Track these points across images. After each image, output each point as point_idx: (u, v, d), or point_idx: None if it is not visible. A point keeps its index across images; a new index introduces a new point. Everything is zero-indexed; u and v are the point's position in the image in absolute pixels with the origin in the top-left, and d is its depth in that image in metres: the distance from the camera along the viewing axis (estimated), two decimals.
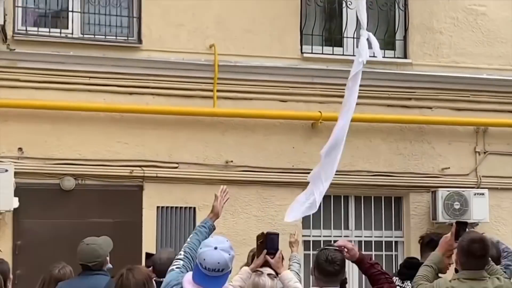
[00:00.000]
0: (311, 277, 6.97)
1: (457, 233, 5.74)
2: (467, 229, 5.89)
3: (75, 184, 9.56)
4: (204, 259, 4.69)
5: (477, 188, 10.54)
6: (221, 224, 8.88)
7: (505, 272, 7.26)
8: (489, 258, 5.68)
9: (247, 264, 6.66)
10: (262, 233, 6.28)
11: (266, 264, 5.96)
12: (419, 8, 10.75)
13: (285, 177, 10.09)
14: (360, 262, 5.55)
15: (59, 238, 9.17)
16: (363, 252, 5.79)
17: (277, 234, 6.54)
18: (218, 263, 4.68)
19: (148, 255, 7.36)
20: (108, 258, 6.46)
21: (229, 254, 4.74)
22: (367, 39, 8.66)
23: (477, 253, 5.44)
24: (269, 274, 5.86)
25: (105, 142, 9.69)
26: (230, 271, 4.84)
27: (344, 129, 8.33)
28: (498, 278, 5.53)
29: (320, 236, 10.23)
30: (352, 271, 9.30)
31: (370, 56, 8.54)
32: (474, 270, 5.46)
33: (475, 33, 10.94)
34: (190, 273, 4.82)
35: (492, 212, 10.51)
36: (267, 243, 6.42)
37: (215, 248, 4.71)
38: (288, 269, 6.52)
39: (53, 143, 9.56)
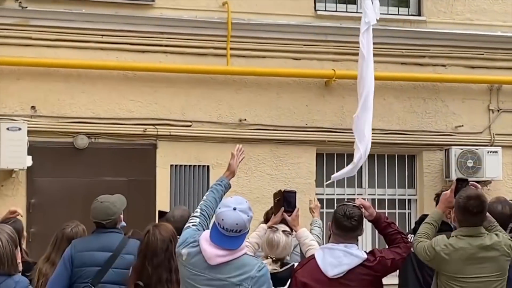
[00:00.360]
0: (325, 238, 6.95)
1: (456, 190, 5.73)
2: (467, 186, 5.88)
3: (89, 142, 9.55)
4: (223, 219, 4.67)
5: (491, 146, 10.57)
6: (235, 183, 8.74)
7: None
8: (491, 217, 5.64)
9: (265, 222, 6.68)
10: (280, 190, 6.30)
11: (283, 221, 5.97)
12: None
13: (298, 135, 10.11)
14: (376, 221, 5.54)
15: (72, 197, 9.18)
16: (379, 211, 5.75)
17: (295, 192, 6.58)
18: (237, 224, 4.67)
19: (161, 213, 7.30)
20: (122, 216, 6.40)
21: (248, 215, 4.73)
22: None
23: (473, 210, 5.42)
24: (284, 231, 5.86)
25: (118, 100, 9.69)
26: (248, 231, 4.82)
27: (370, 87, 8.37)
28: (497, 235, 5.50)
29: (333, 194, 10.23)
30: (365, 229, 9.25)
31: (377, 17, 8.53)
32: (471, 227, 5.45)
33: None
34: (207, 232, 4.79)
35: (505, 170, 10.53)
36: (285, 201, 6.44)
37: (234, 208, 4.70)
38: (310, 231, 6.52)
39: (66, 102, 9.56)
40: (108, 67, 9.62)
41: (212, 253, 4.67)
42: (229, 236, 4.67)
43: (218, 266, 4.68)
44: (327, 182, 9.11)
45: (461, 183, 5.83)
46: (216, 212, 4.76)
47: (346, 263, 5.17)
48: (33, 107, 9.43)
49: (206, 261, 4.69)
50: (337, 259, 5.18)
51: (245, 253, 4.79)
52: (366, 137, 8.18)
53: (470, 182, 5.86)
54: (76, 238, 6.30)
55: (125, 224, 6.47)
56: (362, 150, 8.14)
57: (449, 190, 5.77)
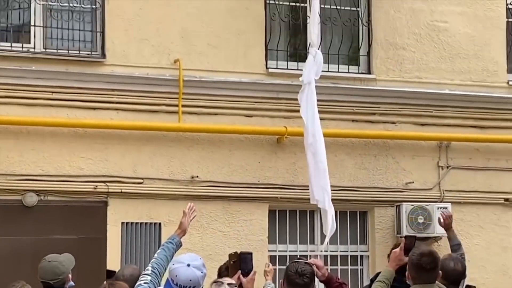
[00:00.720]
0: None
1: (405, 247, 5.82)
2: (415, 243, 6.05)
3: (38, 200, 9.42)
4: (176, 276, 4.67)
5: (441, 202, 10.58)
6: (187, 240, 8.83)
7: None
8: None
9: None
10: (236, 252, 6.29)
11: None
12: (382, 24, 10.85)
13: (251, 192, 10.09)
14: (328, 281, 5.65)
15: (21, 256, 9.02)
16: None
17: (251, 253, 6.61)
18: (190, 280, 4.68)
19: (109, 273, 7.18)
20: (70, 276, 6.38)
21: (201, 272, 4.75)
22: (314, 56, 9.14)
23: (427, 267, 5.44)
24: (229, 284, 5.79)
25: (69, 157, 9.60)
26: None
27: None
28: None
29: (286, 251, 10.19)
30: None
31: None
32: (425, 284, 5.45)
33: (437, 48, 11.04)
34: None
35: (455, 225, 10.36)
36: (241, 263, 6.41)
37: (188, 265, 4.72)
38: None
39: (15, 159, 9.43)
40: (58, 124, 9.53)
41: None
42: None
43: None
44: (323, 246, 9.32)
45: (410, 239, 6.02)
46: (170, 268, 4.74)
47: None
48: None
49: None
50: None
51: None
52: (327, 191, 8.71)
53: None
54: None
55: (73, 284, 6.42)
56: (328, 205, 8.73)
57: (399, 248, 5.84)
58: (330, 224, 8.89)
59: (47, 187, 9.46)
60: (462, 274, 6.71)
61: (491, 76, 11.11)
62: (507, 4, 11.30)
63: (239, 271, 5.94)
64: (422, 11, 10.99)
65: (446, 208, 10.21)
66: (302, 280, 5.18)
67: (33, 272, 6.43)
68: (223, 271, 7.25)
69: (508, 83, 11.18)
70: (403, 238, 6.11)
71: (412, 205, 10.29)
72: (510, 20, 11.36)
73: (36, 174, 9.44)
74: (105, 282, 5.42)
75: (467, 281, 7.54)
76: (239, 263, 6.26)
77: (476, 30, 11.14)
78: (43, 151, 9.48)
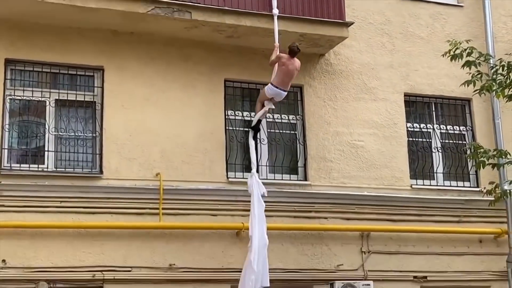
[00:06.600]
0: None
1: None
2: None
3: (48, 287, 9.50)
4: None
5: (365, 280, 10.79)
6: None
7: None
8: None
9: None
10: None
11: None
12: (314, 143, 11.19)
13: (216, 275, 10.19)
14: None
15: None
16: None
17: None
18: None
19: None
20: None
21: None
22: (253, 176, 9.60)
23: None
24: None
25: (73, 252, 9.72)
26: None
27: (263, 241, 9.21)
28: None
29: None
30: None
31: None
32: None
33: (356, 161, 11.40)
34: None
35: None
36: None
37: None
38: None
39: (31, 255, 9.56)
40: (65, 226, 9.70)
41: None
42: None
43: None
44: None
45: None
46: None
47: None
48: (3, 260, 9.46)
49: None
50: None
51: None
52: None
53: None
54: None
55: None
56: None
57: None
58: None
59: (56, 276, 9.55)
60: None
61: (398, 181, 11.50)
62: (407, 127, 11.71)
63: None
64: (344, 133, 11.40)
65: (369, 285, 10.56)
66: None
67: None
68: None
69: (411, 186, 11.60)
70: None
71: (343, 282, 10.50)
72: (410, 139, 11.82)
73: (47, 266, 9.58)
74: None
75: None
76: None
77: (385, 146, 11.57)
78: (53, 248, 9.64)
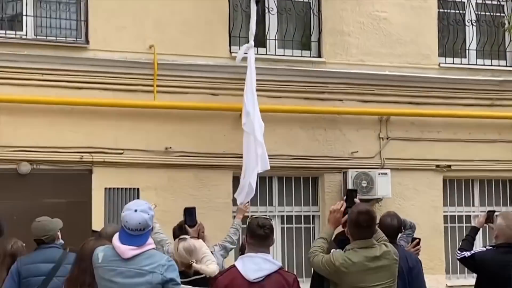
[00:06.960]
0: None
1: (347, 197, 5.81)
2: (356, 196, 5.94)
3: (31, 169, 9.36)
4: (127, 221, 4.77)
5: (381, 168, 10.59)
6: (162, 203, 8.92)
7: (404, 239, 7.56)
8: (379, 230, 5.70)
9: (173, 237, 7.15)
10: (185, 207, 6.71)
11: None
12: (330, 14, 10.75)
13: (217, 161, 10.03)
14: None
15: (16, 218, 8.82)
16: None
17: (194, 208, 6.70)
18: (139, 223, 4.76)
19: (94, 232, 7.24)
20: (59, 234, 6.45)
21: (148, 214, 4.82)
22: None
23: (363, 224, 5.40)
24: (192, 237, 6.14)
25: (57, 131, 9.50)
26: (152, 228, 4.93)
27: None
28: (385, 245, 5.53)
29: (248, 212, 9.96)
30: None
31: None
32: (363, 239, 5.43)
33: (378, 35, 10.98)
34: (117, 234, 4.86)
35: (393, 189, 10.59)
36: (186, 217, 6.61)
37: (135, 210, 4.79)
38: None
39: (10, 133, 9.32)
40: (48, 102, 9.42)
41: (125, 248, 4.75)
42: (134, 235, 4.76)
43: (131, 259, 4.74)
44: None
45: (351, 192, 5.97)
46: (121, 216, 4.85)
47: (266, 269, 5.19)
48: None
49: (119, 256, 4.74)
50: (257, 265, 5.19)
51: (153, 248, 4.87)
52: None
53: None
54: (17, 253, 6.32)
55: (62, 242, 6.51)
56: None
57: (334, 210, 5.74)
58: (246, 190, 8.90)
59: (39, 157, 9.37)
60: (398, 229, 6.82)
61: (425, 59, 11.08)
62: None
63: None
64: (365, 2, 10.93)
65: (386, 174, 10.34)
66: (263, 231, 5.24)
67: (27, 233, 6.47)
68: (177, 231, 7.40)
69: (439, 65, 11.17)
70: (346, 191, 6.03)
71: (357, 171, 10.32)
72: (440, 10, 11.35)
73: (29, 145, 9.36)
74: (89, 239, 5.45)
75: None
76: (184, 217, 6.40)
77: (412, 19, 11.09)
78: (35, 126, 9.38)
